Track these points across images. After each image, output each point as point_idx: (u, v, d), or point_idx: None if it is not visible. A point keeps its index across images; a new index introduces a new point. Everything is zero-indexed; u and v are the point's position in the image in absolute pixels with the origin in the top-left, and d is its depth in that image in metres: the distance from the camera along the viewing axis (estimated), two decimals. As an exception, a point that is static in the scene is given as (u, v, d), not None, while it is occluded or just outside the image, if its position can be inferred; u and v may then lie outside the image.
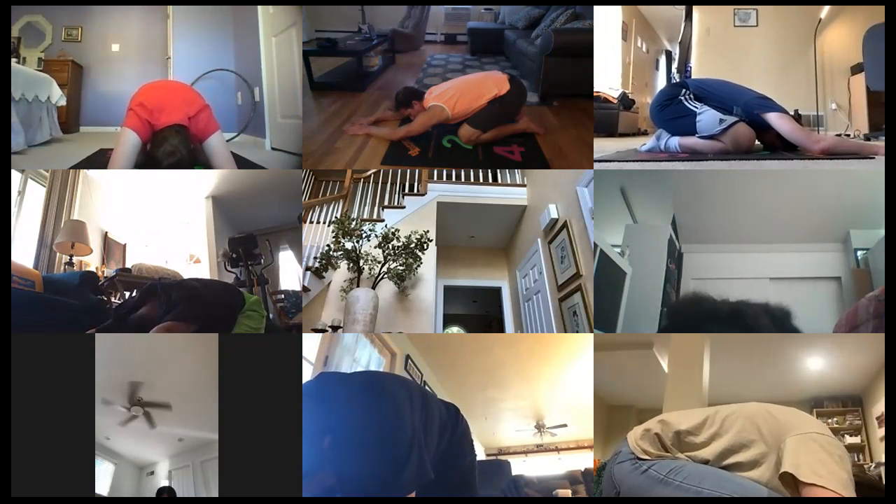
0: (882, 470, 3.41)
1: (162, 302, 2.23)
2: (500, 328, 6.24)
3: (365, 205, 5.85)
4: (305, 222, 5.26)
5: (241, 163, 3.81)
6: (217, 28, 4.89)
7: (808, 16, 5.21)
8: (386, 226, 4.78)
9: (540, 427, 5.50)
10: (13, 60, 4.44)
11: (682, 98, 3.47)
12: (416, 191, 5.67)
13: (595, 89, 4.62)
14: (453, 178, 5.77)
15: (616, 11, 5.34)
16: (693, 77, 5.31)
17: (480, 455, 5.75)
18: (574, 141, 3.57)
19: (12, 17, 4.76)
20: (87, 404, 2.05)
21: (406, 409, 1.30)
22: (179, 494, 3.88)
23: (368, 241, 4.41)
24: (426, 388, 4.04)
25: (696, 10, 5.49)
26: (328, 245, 4.57)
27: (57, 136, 4.15)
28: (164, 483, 4.16)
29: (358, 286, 4.30)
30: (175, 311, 2.15)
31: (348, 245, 4.39)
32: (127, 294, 3.88)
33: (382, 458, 1.20)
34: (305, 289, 4.42)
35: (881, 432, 3.99)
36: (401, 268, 4.41)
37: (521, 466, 5.41)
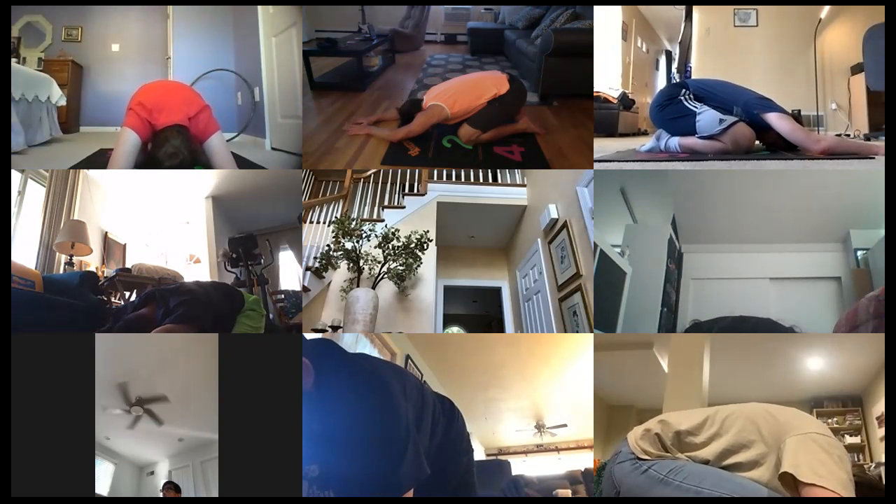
0: (882, 470, 3.41)
1: (160, 306, 2.23)
2: (500, 328, 6.24)
3: (365, 205, 5.85)
4: (305, 222, 5.26)
5: (241, 163, 3.81)
6: (217, 28, 4.89)
7: (808, 16, 5.21)
8: (386, 226, 4.78)
9: (540, 427, 5.50)
10: (13, 60, 4.44)
11: (682, 98, 3.47)
12: (416, 191, 5.67)
13: (595, 89, 4.62)
14: (453, 178, 5.77)
15: (616, 11, 5.34)
16: (693, 77, 5.31)
17: (480, 455, 5.74)
18: (574, 141, 3.57)
19: (12, 17, 4.76)
20: (87, 404, 2.04)
21: (399, 399, 1.27)
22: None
23: (368, 241, 4.41)
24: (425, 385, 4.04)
25: (696, 10, 5.49)
26: (328, 245, 4.57)
27: (57, 136, 4.15)
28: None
29: (358, 286, 4.30)
30: (174, 315, 2.15)
31: (348, 245, 4.39)
32: (127, 294, 3.88)
33: (377, 457, 1.18)
34: (305, 289, 4.42)
35: (881, 432, 3.99)
36: (401, 268, 4.41)
37: (521, 466, 5.40)
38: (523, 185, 5.72)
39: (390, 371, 1.37)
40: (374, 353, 3.59)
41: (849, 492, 1.11)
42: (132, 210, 5.42)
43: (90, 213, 4.64)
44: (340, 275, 4.66)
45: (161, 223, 5.82)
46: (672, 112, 3.50)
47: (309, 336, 3.58)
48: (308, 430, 1.23)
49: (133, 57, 5.12)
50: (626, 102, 5.19)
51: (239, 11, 4.68)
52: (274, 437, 2.01)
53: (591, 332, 3.36)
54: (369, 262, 4.44)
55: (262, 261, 4.61)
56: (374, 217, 5.45)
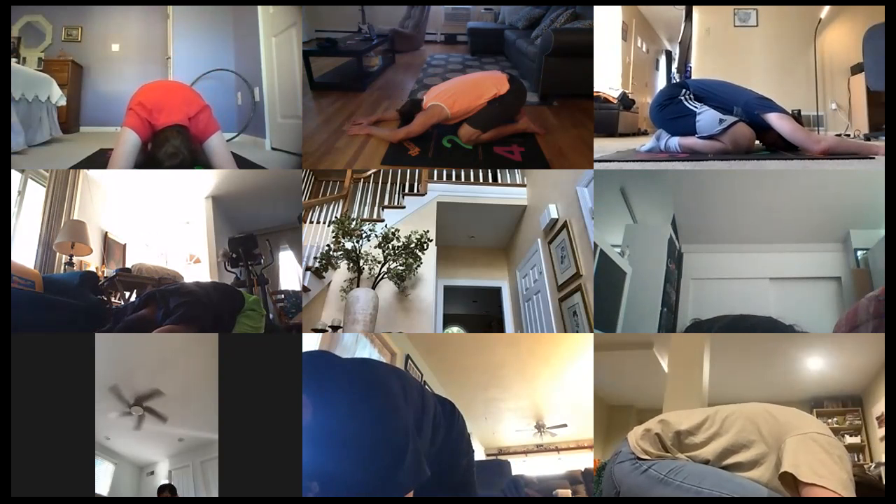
0: (882, 470, 3.41)
1: (161, 306, 2.23)
2: (500, 328, 6.24)
3: (365, 205, 5.85)
4: (305, 222, 5.26)
5: (241, 163, 3.81)
6: (217, 28, 4.89)
7: (808, 16, 5.21)
8: (386, 226, 4.78)
9: (540, 427, 5.50)
10: (13, 60, 4.44)
11: (682, 98, 3.47)
12: (416, 191, 5.67)
13: (595, 89, 4.62)
14: (453, 178, 5.76)
15: (616, 11, 5.35)
16: (693, 77, 5.31)
17: (480, 455, 5.74)
18: (574, 141, 3.57)
19: (12, 17, 4.76)
20: (87, 404, 2.04)
21: (400, 401, 1.27)
22: (179, 494, 3.88)
23: (368, 241, 4.41)
24: (426, 387, 4.04)
25: (696, 10, 5.49)
26: (328, 245, 4.57)
27: (57, 136, 4.14)
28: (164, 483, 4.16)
29: (358, 286, 4.30)
30: (175, 315, 2.15)
31: (348, 245, 4.39)
32: (127, 294, 3.88)
33: (377, 458, 1.18)
34: (305, 289, 4.42)
35: (881, 432, 3.99)
36: (401, 268, 4.40)
37: (521, 466, 5.41)
38: (523, 185, 5.72)
39: (391, 374, 1.37)
40: (374, 353, 3.59)
41: (849, 492, 1.11)
42: (132, 210, 5.42)
43: (90, 213, 4.64)
44: (340, 275, 4.66)
45: (161, 223, 5.82)
46: (672, 112, 3.50)
47: (307, 337, 3.58)
48: (308, 437, 1.22)
49: (133, 57, 5.12)
50: (626, 102, 5.19)
51: (239, 11, 4.68)
52: (274, 437, 2.01)
53: (591, 332, 3.36)
54: (369, 262, 4.44)
55: (262, 261, 4.61)
56: (374, 217, 5.45)
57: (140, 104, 2.85)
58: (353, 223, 4.48)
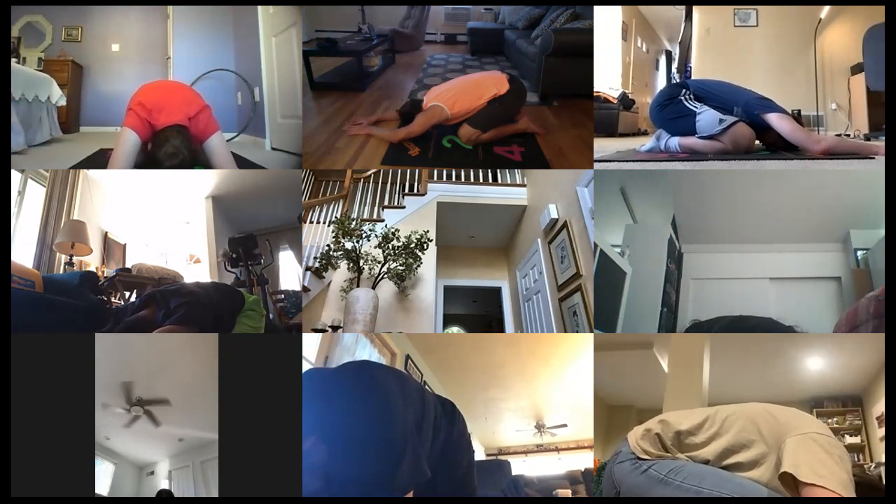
0: (882, 470, 3.41)
1: (161, 307, 2.23)
2: (500, 328, 6.24)
3: (365, 205, 5.85)
4: (305, 222, 5.26)
5: (241, 163, 3.81)
6: (217, 28, 4.89)
7: (808, 16, 5.21)
8: (386, 226, 4.78)
9: (540, 427, 5.51)
10: (13, 60, 4.44)
11: (682, 98, 3.47)
12: (416, 191, 5.67)
13: (595, 89, 4.62)
14: (453, 178, 5.77)
15: (616, 11, 5.35)
16: (693, 77, 5.31)
17: (480, 455, 5.75)
18: (574, 141, 3.57)
19: (12, 17, 4.76)
20: (87, 404, 2.04)
21: (399, 402, 1.27)
22: (179, 494, 3.88)
23: (368, 241, 4.41)
24: (426, 387, 4.03)
25: (696, 10, 5.49)
26: (328, 245, 4.57)
27: (57, 136, 4.15)
28: (164, 483, 4.17)
29: (358, 286, 4.30)
30: (175, 316, 2.15)
31: (348, 245, 4.40)
32: (127, 294, 3.88)
33: (376, 458, 1.17)
34: (305, 289, 4.42)
35: (881, 432, 3.99)
36: (401, 268, 4.41)
37: (521, 466, 5.41)
38: (523, 185, 5.72)
39: (390, 375, 1.36)
40: (374, 353, 3.59)
41: (849, 492, 1.11)
42: (132, 210, 5.42)
43: (90, 213, 4.64)
44: (340, 275, 4.66)
45: (161, 223, 5.82)
46: (672, 112, 3.50)
47: (307, 337, 3.58)
48: (310, 458, 1.21)
49: (133, 57, 5.12)
50: (626, 102, 5.19)
51: (239, 11, 4.68)
52: (274, 437, 2.01)
53: (591, 332, 3.36)
54: (369, 262, 4.44)
55: (262, 261, 4.61)
56: (374, 217, 5.45)
57: (140, 104, 2.85)
58: (353, 223, 4.48)
